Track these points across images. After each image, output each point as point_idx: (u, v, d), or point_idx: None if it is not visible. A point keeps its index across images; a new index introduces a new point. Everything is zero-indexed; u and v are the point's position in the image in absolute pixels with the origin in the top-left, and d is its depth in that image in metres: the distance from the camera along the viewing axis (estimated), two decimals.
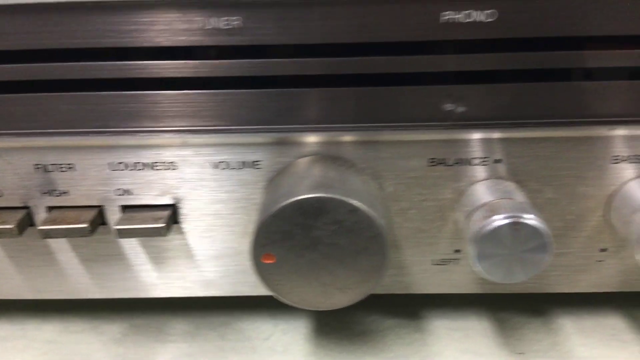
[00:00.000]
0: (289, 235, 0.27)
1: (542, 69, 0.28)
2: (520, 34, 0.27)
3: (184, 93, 0.29)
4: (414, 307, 0.36)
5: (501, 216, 0.27)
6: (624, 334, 0.34)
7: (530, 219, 0.27)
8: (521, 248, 0.27)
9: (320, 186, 0.27)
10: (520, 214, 0.27)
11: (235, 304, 0.36)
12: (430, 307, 0.36)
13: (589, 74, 0.28)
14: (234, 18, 0.27)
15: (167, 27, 0.27)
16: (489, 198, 0.29)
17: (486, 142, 0.29)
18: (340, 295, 0.28)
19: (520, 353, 0.32)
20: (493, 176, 0.30)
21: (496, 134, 0.29)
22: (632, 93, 0.28)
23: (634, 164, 0.30)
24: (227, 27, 0.27)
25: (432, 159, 0.30)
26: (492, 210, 0.28)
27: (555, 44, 0.27)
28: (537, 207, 0.30)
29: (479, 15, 0.26)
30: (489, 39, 0.27)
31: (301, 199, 0.26)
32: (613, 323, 0.34)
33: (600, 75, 0.28)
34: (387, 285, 0.33)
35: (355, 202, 0.26)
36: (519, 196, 0.29)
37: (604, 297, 0.35)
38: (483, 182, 0.30)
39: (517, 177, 0.30)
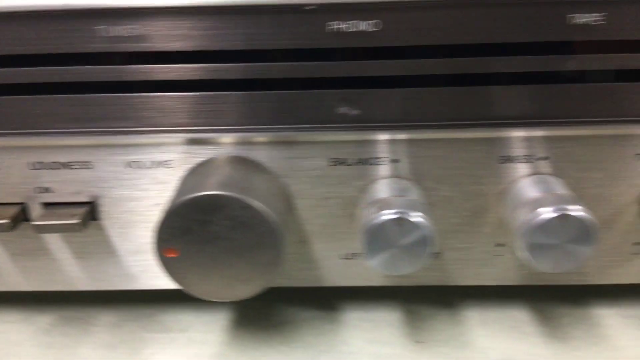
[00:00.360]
0: (188, 230, 0.29)
1: (428, 75, 0.29)
2: (404, 42, 0.29)
3: (97, 96, 0.30)
4: (332, 300, 0.38)
5: (389, 212, 0.29)
6: (525, 326, 0.35)
7: (413, 216, 0.28)
8: (406, 241, 0.29)
9: (216, 184, 0.29)
10: (406, 210, 0.29)
11: (161, 297, 0.38)
12: (347, 300, 0.38)
13: (473, 79, 0.30)
14: (135, 26, 0.29)
15: (70, 35, 0.29)
16: (383, 195, 0.31)
17: (382, 143, 0.31)
18: (243, 287, 0.30)
19: (421, 342, 0.34)
20: (393, 175, 0.32)
21: (390, 136, 0.31)
22: (518, 97, 0.30)
23: (521, 164, 0.31)
24: (130, 34, 0.29)
25: (332, 159, 0.32)
26: (382, 206, 0.29)
27: (439, 51, 0.29)
28: (432, 204, 0.32)
29: (363, 25, 0.28)
30: (374, 47, 0.28)
31: (196, 197, 0.28)
32: (517, 315, 0.36)
33: (484, 80, 0.30)
34: (300, 278, 0.35)
35: (247, 199, 0.28)
36: (412, 194, 0.31)
37: (512, 290, 0.37)
38: (382, 180, 0.32)
39: (414, 175, 0.32)
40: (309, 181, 0.32)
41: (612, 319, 0.36)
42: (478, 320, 0.36)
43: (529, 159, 0.31)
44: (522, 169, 0.32)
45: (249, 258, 0.29)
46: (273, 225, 0.28)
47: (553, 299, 0.37)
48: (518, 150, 0.31)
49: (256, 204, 0.28)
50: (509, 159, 0.31)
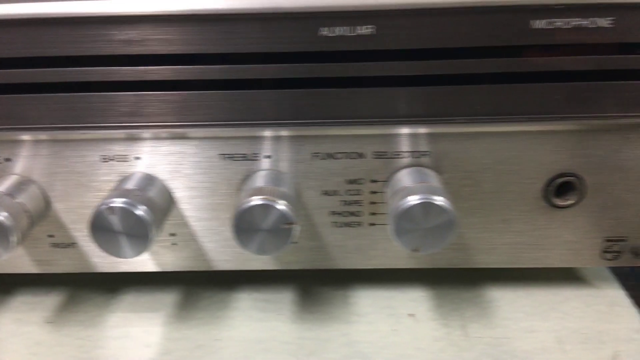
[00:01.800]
0: None
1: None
2: None
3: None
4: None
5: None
6: (165, 308, 0.39)
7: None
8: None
9: None
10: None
11: None
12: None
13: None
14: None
15: None
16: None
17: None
18: None
19: (51, 322, 0.38)
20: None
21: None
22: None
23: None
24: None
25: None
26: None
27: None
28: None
29: None
30: None
31: None
32: (165, 299, 0.40)
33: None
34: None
35: None
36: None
37: (168, 275, 0.41)
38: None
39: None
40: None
41: (242, 302, 0.40)
42: (128, 303, 0.40)
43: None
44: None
45: None
46: None
47: (203, 284, 0.41)
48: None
49: None
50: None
